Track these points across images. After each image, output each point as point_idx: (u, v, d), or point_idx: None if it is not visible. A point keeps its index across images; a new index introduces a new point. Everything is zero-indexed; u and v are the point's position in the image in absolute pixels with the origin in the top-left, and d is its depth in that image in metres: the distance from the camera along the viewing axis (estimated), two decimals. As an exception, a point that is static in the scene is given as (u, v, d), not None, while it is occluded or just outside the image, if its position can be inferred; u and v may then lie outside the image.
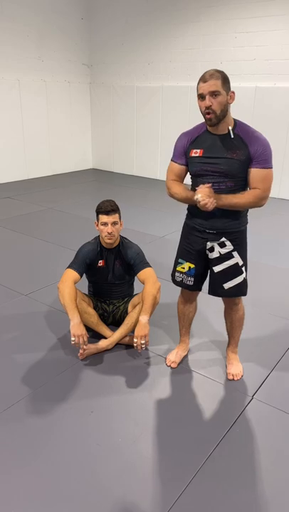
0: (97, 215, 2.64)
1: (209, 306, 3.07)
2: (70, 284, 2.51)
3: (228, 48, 6.75)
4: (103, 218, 2.59)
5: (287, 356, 2.68)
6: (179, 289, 2.49)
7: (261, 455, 1.95)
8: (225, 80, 1.96)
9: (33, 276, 3.77)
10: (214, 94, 1.94)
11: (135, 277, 2.76)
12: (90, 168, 9.17)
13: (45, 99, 7.86)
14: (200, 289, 2.42)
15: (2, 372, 2.47)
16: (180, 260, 2.37)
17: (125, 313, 2.80)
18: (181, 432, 2.08)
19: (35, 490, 1.76)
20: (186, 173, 2.25)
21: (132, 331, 2.61)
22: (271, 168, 2.06)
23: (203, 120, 2.07)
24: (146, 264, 2.68)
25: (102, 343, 2.66)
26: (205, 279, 2.40)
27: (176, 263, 2.40)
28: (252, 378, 2.46)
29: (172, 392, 2.36)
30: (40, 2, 7.37)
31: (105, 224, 2.59)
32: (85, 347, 2.50)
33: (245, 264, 2.29)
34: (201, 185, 2.04)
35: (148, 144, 8.11)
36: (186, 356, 2.65)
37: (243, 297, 2.41)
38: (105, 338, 2.71)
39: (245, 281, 2.31)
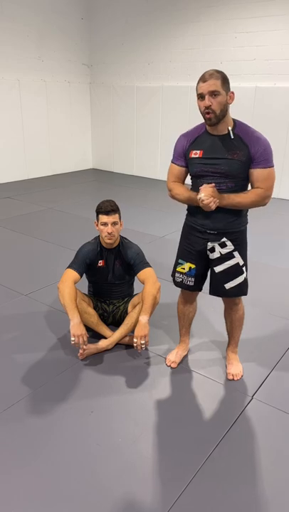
0: (97, 215, 2.64)
1: (209, 306, 3.07)
2: (70, 284, 2.51)
3: (228, 48, 6.75)
4: (103, 218, 2.59)
5: (287, 356, 2.68)
6: (179, 288, 2.49)
7: (261, 455, 1.95)
8: (224, 80, 1.96)
9: (33, 276, 3.77)
10: (214, 94, 1.94)
11: (135, 277, 2.76)
12: (90, 168, 9.17)
13: (45, 99, 7.86)
14: (200, 289, 2.42)
15: (2, 372, 2.48)
16: (180, 261, 2.37)
17: (125, 313, 2.80)
18: (181, 431, 2.08)
19: (35, 490, 1.76)
20: (186, 175, 2.25)
21: (132, 331, 2.61)
22: (273, 166, 2.07)
23: (203, 121, 2.08)
24: (146, 264, 2.68)
25: (102, 343, 2.66)
26: (205, 279, 2.40)
27: (176, 264, 2.40)
28: (252, 378, 2.47)
29: (172, 392, 2.36)
30: (40, 2, 7.37)
31: (105, 224, 2.59)
32: (84, 347, 2.50)
33: (245, 264, 2.30)
34: (204, 185, 2.04)
35: (148, 144, 8.11)
36: (186, 356, 2.65)
37: (243, 297, 2.41)
38: (105, 338, 2.71)
39: (245, 280, 2.31)
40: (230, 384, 2.42)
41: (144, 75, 7.87)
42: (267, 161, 2.04)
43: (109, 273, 2.77)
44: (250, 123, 2.21)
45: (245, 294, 2.35)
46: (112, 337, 2.68)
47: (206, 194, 2.00)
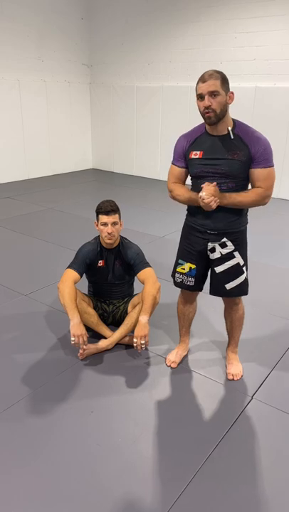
0: (97, 216, 2.64)
1: (209, 306, 3.07)
2: (70, 284, 2.51)
3: (228, 48, 6.75)
4: (103, 218, 2.59)
5: (287, 356, 2.68)
6: (179, 289, 2.49)
7: (261, 455, 1.95)
8: (224, 80, 1.96)
9: (33, 277, 3.77)
10: (213, 94, 1.94)
11: (135, 277, 2.76)
12: (90, 168, 9.17)
13: (45, 99, 7.86)
14: (201, 289, 2.42)
15: (2, 372, 2.48)
16: (180, 261, 2.37)
17: (125, 313, 2.80)
18: (181, 431, 2.08)
19: (35, 490, 1.76)
20: (187, 176, 2.25)
21: (132, 331, 2.61)
22: (273, 166, 2.07)
23: (203, 121, 2.08)
24: (146, 264, 2.68)
25: (102, 343, 2.66)
26: (206, 279, 2.40)
27: (176, 264, 2.40)
28: (252, 378, 2.47)
29: (172, 392, 2.36)
30: (40, 2, 7.37)
31: (105, 224, 2.59)
32: (84, 347, 2.50)
33: (246, 263, 2.30)
34: (207, 183, 2.04)
35: (148, 143, 8.11)
36: (186, 356, 2.65)
37: (243, 297, 2.41)
38: (105, 338, 2.71)
39: (246, 280, 2.31)
40: (230, 384, 2.42)
41: (144, 75, 7.87)
42: (267, 161, 2.04)
43: (109, 273, 2.77)
44: (250, 123, 2.21)
45: (246, 293, 2.35)
46: (112, 337, 2.68)
47: (207, 193, 2.00)
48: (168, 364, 2.57)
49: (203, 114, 2.02)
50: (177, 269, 2.39)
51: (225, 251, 2.23)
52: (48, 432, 2.05)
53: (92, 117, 8.83)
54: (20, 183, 7.63)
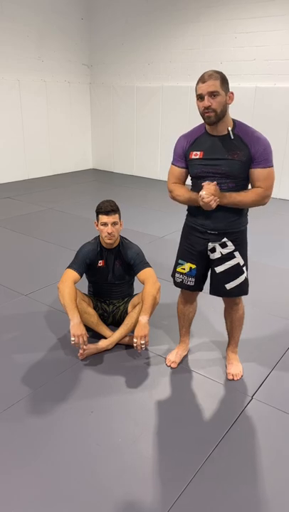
0: (97, 216, 2.64)
1: (209, 306, 3.07)
2: (70, 284, 2.52)
3: (228, 48, 6.75)
4: (103, 218, 2.59)
5: (286, 356, 2.68)
6: (179, 289, 2.49)
7: (261, 455, 1.95)
8: (223, 81, 1.96)
9: (33, 277, 3.77)
10: (213, 94, 1.94)
11: (135, 277, 2.76)
12: (90, 168, 9.17)
13: (45, 100, 7.86)
14: (201, 290, 2.42)
15: (2, 372, 2.48)
16: (180, 261, 2.37)
17: (125, 313, 2.80)
18: (181, 432, 2.08)
19: (35, 490, 1.76)
20: (187, 176, 2.25)
21: (132, 331, 2.61)
22: (272, 166, 2.07)
23: (203, 121, 2.08)
24: (146, 265, 2.68)
25: (102, 343, 2.66)
26: (206, 279, 2.40)
27: (177, 264, 2.40)
28: (252, 378, 2.47)
29: (172, 392, 2.36)
30: (40, 2, 7.37)
31: (105, 224, 2.59)
32: (84, 347, 2.50)
33: (246, 263, 2.30)
34: (207, 182, 2.03)
35: (148, 144, 8.11)
36: (186, 356, 2.65)
37: (243, 297, 2.41)
38: (105, 338, 2.71)
39: (246, 280, 2.32)
40: (230, 384, 2.42)
41: (144, 75, 7.87)
42: (267, 161, 2.05)
43: (109, 273, 2.77)
44: (250, 123, 2.21)
45: (246, 293, 2.35)
46: (112, 337, 2.68)
47: (207, 192, 2.00)
48: (168, 364, 2.57)
49: (202, 115, 2.02)
50: (177, 269, 2.39)
51: (225, 251, 2.23)
52: (48, 431, 2.05)
53: (92, 117, 8.83)
54: (21, 183, 7.63)
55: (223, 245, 2.22)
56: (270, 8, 6.20)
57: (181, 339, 2.66)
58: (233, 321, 2.46)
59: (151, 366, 2.57)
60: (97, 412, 2.18)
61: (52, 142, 8.17)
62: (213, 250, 2.24)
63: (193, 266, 2.32)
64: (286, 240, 4.88)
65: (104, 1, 7.94)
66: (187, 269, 2.35)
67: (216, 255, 2.25)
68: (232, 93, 2.01)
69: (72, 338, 2.38)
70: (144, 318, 2.43)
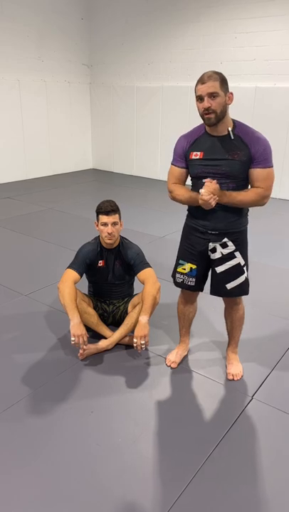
0: (97, 216, 2.64)
1: (209, 306, 3.07)
2: (70, 284, 2.52)
3: (228, 49, 6.75)
4: (103, 219, 2.59)
5: (287, 356, 2.68)
6: (179, 289, 2.49)
7: (261, 455, 1.95)
8: (223, 81, 1.96)
9: (33, 277, 3.77)
10: (213, 95, 1.94)
11: (135, 277, 2.76)
12: (90, 168, 9.17)
13: (45, 100, 7.86)
14: (201, 290, 2.42)
15: (2, 372, 2.48)
16: (181, 261, 2.37)
17: (125, 313, 2.80)
18: (181, 432, 2.08)
19: (35, 490, 1.76)
20: (187, 176, 2.24)
21: (132, 331, 2.61)
22: (272, 166, 2.07)
23: (202, 122, 2.08)
24: (146, 265, 2.68)
25: (102, 343, 2.66)
26: (206, 279, 2.40)
27: (177, 264, 2.40)
28: (252, 378, 2.47)
29: (172, 392, 2.36)
30: (40, 2, 7.37)
31: (105, 224, 2.59)
32: (84, 347, 2.50)
33: (246, 263, 2.30)
34: (209, 179, 2.03)
35: (148, 144, 8.12)
36: (186, 356, 2.65)
37: (243, 297, 2.41)
38: (105, 338, 2.71)
39: (247, 280, 2.32)
40: (230, 384, 2.42)
41: (144, 75, 7.87)
42: (266, 161, 2.05)
43: (109, 273, 2.77)
44: (250, 123, 2.21)
45: (247, 293, 2.35)
46: (112, 337, 2.68)
47: (207, 190, 2.00)
48: (168, 364, 2.57)
49: (202, 116, 2.02)
50: (178, 270, 2.39)
51: (226, 251, 2.23)
52: (48, 431, 2.05)
53: (92, 117, 8.83)
54: (21, 183, 7.63)
55: (224, 245, 2.22)
56: (270, 8, 6.20)
57: (181, 339, 2.66)
58: (233, 321, 2.46)
59: (151, 366, 2.57)
60: (97, 412, 2.18)
61: (52, 142, 8.17)
62: (214, 250, 2.24)
63: (194, 266, 2.32)
64: (286, 239, 4.88)
65: (104, 1, 7.94)
66: (188, 270, 2.34)
67: (217, 255, 2.25)
68: (232, 93, 2.01)
69: (73, 338, 2.38)
70: (144, 318, 2.43)
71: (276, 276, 3.89)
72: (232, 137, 2.04)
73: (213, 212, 2.13)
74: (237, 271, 2.27)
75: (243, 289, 2.32)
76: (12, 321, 3.05)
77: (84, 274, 2.71)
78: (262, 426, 2.12)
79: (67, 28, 7.94)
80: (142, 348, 2.39)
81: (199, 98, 1.98)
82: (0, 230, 5.03)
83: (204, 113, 1.99)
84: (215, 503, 1.72)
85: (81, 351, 2.56)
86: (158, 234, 4.92)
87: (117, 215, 2.62)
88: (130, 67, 7.99)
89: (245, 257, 2.29)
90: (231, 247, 2.22)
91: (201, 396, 2.33)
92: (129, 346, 2.71)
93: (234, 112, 2.12)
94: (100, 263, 2.73)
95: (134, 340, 2.38)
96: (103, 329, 2.74)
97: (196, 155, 2.11)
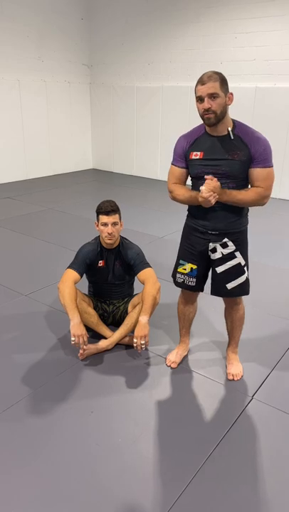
0: (97, 216, 2.64)
1: (209, 306, 3.07)
2: (70, 284, 2.52)
3: (228, 49, 6.75)
4: (103, 219, 2.59)
5: (287, 356, 2.68)
6: (179, 289, 2.49)
7: (261, 455, 1.95)
8: (223, 82, 1.96)
9: (33, 277, 3.77)
10: (213, 96, 1.94)
11: (135, 277, 2.76)
12: (90, 168, 9.17)
13: (45, 100, 7.86)
14: (202, 290, 2.42)
15: (2, 372, 2.48)
16: (181, 261, 2.37)
17: (125, 313, 2.80)
18: (181, 432, 2.08)
19: (35, 490, 1.76)
20: (187, 176, 2.24)
21: (132, 331, 2.61)
22: (272, 166, 2.07)
23: (202, 122, 2.08)
24: (147, 265, 2.68)
25: (102, 343, 2.66)
26: (206, 279, 2.40)
27: (178, 264, 2.40)
28: (252, 378, 2.47)
29: (172, 392, 2.36)
30: (40, 2, 7.37)
31: (105, 224, 2.59)
32: (85, 347, 2.50)
33: (247, 263, 2.30)
34: (210, 176, 2.02)
35: (148, 144, 8.12)
36: (186, 356, 2.65)
37: (243, 297, 2.41)
38: (105, 338, 2.71)
39: (247, 280, 2.32)
40: (230, 384, 2.42)
41: (144, 75, 7.87)
42: (266, 161, 2.05)
43: (110, 273, 2.77)
44: (251, 123, 2.21)
45: (247, 293, 2.35)
46: (112, 337, 2.68)
47: (207, 188, 1.99)
48: (168, 364, 2.57)
49: (202, 116, 2.02)
50: (178, 270, 2.39)
51: (226, 251, 2.23)
52: (48, 431, 2.05)
53: (92, 117, 8.83)
54: (21, 183, 7.63)
55: (224, 245, 2.22)
56: (270, 8, 6.20)
57: (182, 339, 2.66)
58: (233, 321, 2.46)
59: (152, 366, 2.57)
60: (97, 412, 2.18)
61: (52, 142, 8.17)
62: (214, 250, 2.24)
63: (194, 266, 2.32)
64: (286, 239, 4.89)
65: (104, 1, 7.94)
66: (188, 270, 2.34)
67: (217, 255, 2.25)
68: (231, 94, 2.01)
69: (73, 338, 2.38)
70: (144, 319, 2.43)
71: (276, 276, 3.89)
72: (232, 137, 2.04)
73: (213, 212, 2.13)
74: (237, 271, 2.27)
75: (244, 289, 2.32)
76: (12, 321, 3.05)
77: (84, 275, 2.71)
78: (262, 426, 2.12)
79: (67, 28, 7.94)
80: (142, 348, 2.39)
81: (199, 99, 1.98)
82: (0, 230, 5.03)
83: (204, 114, 1.99)
84: (215, 503, 1.72)
85: (81, 351, 2.56)
86: (158, 234, 4.92)
87: (117, 215, 2.62)
88: (130, 67, 8.00)
89: (245, 257, 2.29)
90: (231, 247, 2.22)
91: (201, 396, 2.33)
92: (129, 346, 2.71)
93: (234, 112, 2.12)
94: (100, 263, 2.73)
95: (134, 340, 2.38)
96: (103, 329, 2.74)
97: (195, 155, 2.11)
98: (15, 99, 7.38)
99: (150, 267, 2.68)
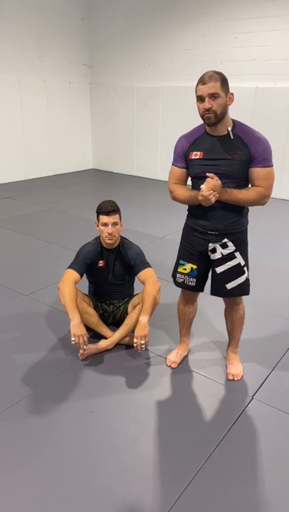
0: (98, 216, 2.64)
1: (209, 306, 3.07)
2: (71, 284, 2.52)
3: (228, 49, 6.75)
4: (103, 219, 2.59)
5: (287, 356, 2.68)
6: (179, 289, 2.49)
7: (261, 455, 1.95)
8: (224, 82, 1.96)
9: (34, 277, 3.77)
10: (213, 96, 1.94)
11: (135, 277, 2.76)
12: (90, 168, 9.17)
13: (46, 100, 7.86)
14: (202, 290, 2.42)
15: (2, 372, 2.48)
16: (181, 261, 2.37)
17: (125, 313, 2.80)
18: (181, 432, 2.08)
19: (35, 490, 1.76)
20: (187, 176, 2.24)
21: (132, 331, 2.61)
22: (272, 166, 2.07)
23: (202, 122, 2.08)
24: (147, 265, 2.68)
25: (102, 343, 2.66)
26: (206, 279, 2.40)
27: (178, 264, 2.40)
28: (252, 378, 2.47)
29: (172, 392, 2.36)
30: (40, 2, 7.38)
31: (106, 224, 2.59)
32: (85, 347, 2.50)
33: (247, 263, 2.30)
34: (212, 174, 2.01)
35: (148, 144, 8.12)
36: (186, 356, 2.65)
37: (243, 297, 2.41)
38: (105, 338, 2.71)
39: (247, 280, 2.32)
40: (230, 384, 2.42)
41: (144, 75, 7.87)
42: (266, 161, 2.05)
43: (110, 273, 2.77)
44: (251, 123, 2.21)
45: (247, 293, 2.35)
46: (112, 337, 2.68)
47: (208, 186, 1.99)
48: (168, 364, 2.57)
49: (202, 116, 2.02)
50: (178, 270, 2.39)
51: (226, 251, 2.23)
52: (48, 431, 2.05)
53: (92, 117, 8.83)
54: (21, 183, 7.63)
55: (224, 246, 2.22)
56: (270, 8, 6.20)
57: (182, 339, 2.66)
58: (233, 321, 2.46)
59: (152, 366, 2.57)
60: (97, 412, 2.18)
61: (52, 142, 8.17)
62: (214, 251, 2.24)
63: (194, 266, 2.32)
64: (286, 239, 4.88)
65: (104, 1, 7.94)
66: (188, 270, 2.34)
67: (217, 256, 2.25)
68: (232, 94, 2.01)
69: (73, 338, 2.38)
70: (144, 319, 2.43)
71: (276, 276, 3.89)
72: (232, 137, 2.04)
73: (213, 212, 2.13)
74: (237, 271, 2.27)
75: (244, 289, 2.32)
76: (12, 321, 3.05)
77: (84, 275, 2.71)
78: (262, 426, 2.12)
79: (67, 28, 7.94)
80: (142, 348, 2.39)
81: (200, 98, 1.98)
82: (0, 230, 5.03)
83: (204, 113, 1.99)
84: (215, 503, 1.72)
85: (81, 351, 2.56)
86: (158, 234, 4.92)
87: (117, 215, 2.62)
88: (130, 67, 8.00)
89: (245, 257, 2.29)
90: (231, 247, 2.22)
91: (202, 396, 2.33)
92: (129, 346, 2.71)
93: (234, 112, 2.12)
94: (101, 263, 2.73)
95: (135, 340, 2.38)
96: (103, 329, 2.74)
97: (195, 155, 2.11)
98: (15, 99, 7.38)
99: (150, 267, 2.68)
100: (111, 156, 8.79)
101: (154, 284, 2.56)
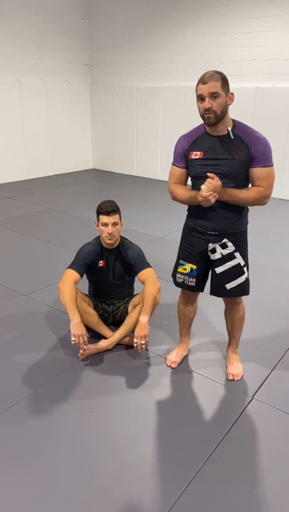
0: (98, 216, 2.64)
1: (209, 306, 3.07)
2: (71, 284, 2.52)
3: (228, 49, 6.75)
4: (103, 219, 2.59)
5: (287, 356, 2.68)
6: (179, 289, 2.49)
7: (261, 455, 1.95)
8: (224, 82, 1.96)
9: (34, 277, 3.77)
10: (214, 95, 1.94)
11: (135, 277, 2.76)
12: (90, 168, 9.17)
13: (46, 100, 7.86)
14: (202, 290, 2.42)
15: (2, 372, 2.48)
16: (181, 261, 2.37)
17: (125, 313, 2.80)
18: (181, 432, 2.08)
19: (35, 490, 1.76)
20: (187, 176, 2.24)
21: (132, 331, 2.61)
22: (272, 166, 2.07)
23: (202, 121, 2.08)
24: (147, 265, 2.68)
25: (103, 343, 2.66)
26: (206, 279, 2.40)
27: (178, 264, 2.40)
28: (252, 378, 2.47)
29: (172, 392, 2.36)
30: (40, 2, 7.38)
31: (106, 224, 2.59)
32: (85, 347, 2.50)
33: (246, 264, 2.30)
34: (212, 175, 2.01)
35: (148, 144, 8.12)
36: (186, 356, 2.65)
37: (243, 297, 2.41)
38: (105, 338, 2.71)
39: (247, 280, 2.32)
40: (230, 384, 2.42)
41: (144, 75, 7.87)
42: (266, 160, 2.05)
43: (110, 273, 2.77)
44: (251, 123, 2.21)
45: (247, 293, 2.35)
46: (112, 337, 2.68)
47: (208, 187, 1.99)
48: (168, 364, 2.57)
49: (202, 116, 2.02)
50: (178, 270, 2.39)
51: (225, 252, 2.23)
52: (48, 431, 2.05)
53: (92, 117, 8.83)
54: (21, 183, 7.63)
55: (224, 246, 2.22)
56: (270, 8, 6.20)
57: (182, 339, 2.66)
58: (233, 321, 2.46)
59: (152, 366, 2.57)
60: (97, 412, 2.18)
61: (52, 142, 8.17)
62: (214, 251, 2.24)
63: (194, 266, 2.32)
64: (286, 239, 4.88)
65: (104, 1, 7.94)
66: (188, 270, 2.34)
67: (217, 256, 2.25)
68: (232, 94, 2.01)
69: (73, 338, 2.38)
70: (144, 319, 2.43)
71: (276, 276, 3.89)
72: (232, 137, 2.04)
73: (212, 212, 2.13)
74: (237, 271, 2.27)
75: (243, 289, 2.32)
76: (12, 321, 3.05)
77: (84, 275, 2.71)
78: (262, 426, 2.12)
79: (67, 28, 7.94)
80: (142, 348, 2.39)
81: (200, 98, 1.98)
82: (0, 230, 5.03)
83: (204, 113, 1.99)
84: (215, 504, 1.72)
85: (81, 351, 2.56)
86: (158, 234, 4.92)
87: (117, 215, 2.62)
88: (130, 67, 8.00)
89: (245, 257, 2.29)
90: (231, 247, 2.22)
91: (201, 396, 2.33)
92: (129, 346, 2.71)
93: (234, 112, 2.12)
94: (101, 263, 2.73)
95: (135, 340, 2.38)
96: (103, 329, 2.74)
97: (195, 155, 2.11)
98: (15, 99, 7.38)
99: (150, 267, 2.68)
100: (111, 156, 8.79)
101: (154, 284, 2.56)
